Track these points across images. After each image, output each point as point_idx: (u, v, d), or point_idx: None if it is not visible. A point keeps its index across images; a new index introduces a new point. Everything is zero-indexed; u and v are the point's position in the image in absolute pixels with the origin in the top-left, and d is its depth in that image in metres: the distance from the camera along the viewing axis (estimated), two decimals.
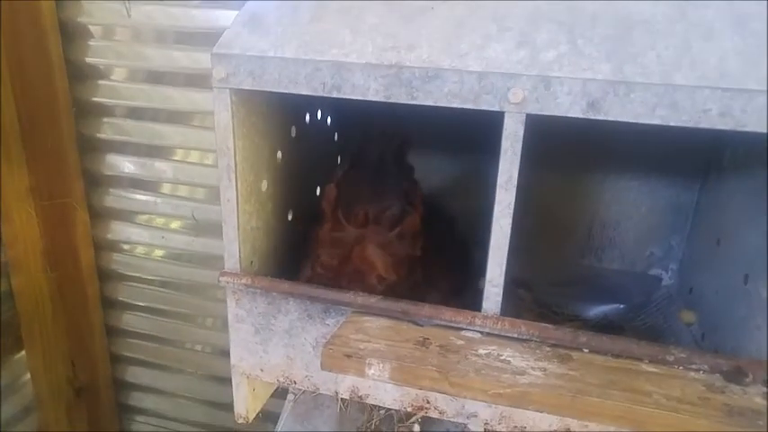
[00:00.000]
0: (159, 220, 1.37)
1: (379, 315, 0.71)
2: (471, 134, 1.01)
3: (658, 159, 0.99)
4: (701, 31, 0.60)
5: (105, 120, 1.30)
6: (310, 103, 0.91)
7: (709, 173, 0.96)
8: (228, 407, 1.12)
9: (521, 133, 0.62)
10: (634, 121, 0.58)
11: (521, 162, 0.63)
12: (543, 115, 0.61)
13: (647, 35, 0.61)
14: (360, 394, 0.76)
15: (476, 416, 0.73)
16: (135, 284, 1.44)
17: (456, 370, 0.60)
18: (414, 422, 1.01)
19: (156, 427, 1.58)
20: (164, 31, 1.20)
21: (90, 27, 1.24)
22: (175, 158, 1.31)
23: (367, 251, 0.82)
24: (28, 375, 1.41)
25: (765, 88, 0.55)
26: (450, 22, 0.65)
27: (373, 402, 0.77)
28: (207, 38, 1.16)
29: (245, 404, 0.83)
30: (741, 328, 0.76)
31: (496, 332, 0.69)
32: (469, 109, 0.61)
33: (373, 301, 0.71)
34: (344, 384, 0.76)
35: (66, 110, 1.24)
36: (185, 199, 1.33)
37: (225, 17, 1.15)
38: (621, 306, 1.08)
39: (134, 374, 1.54)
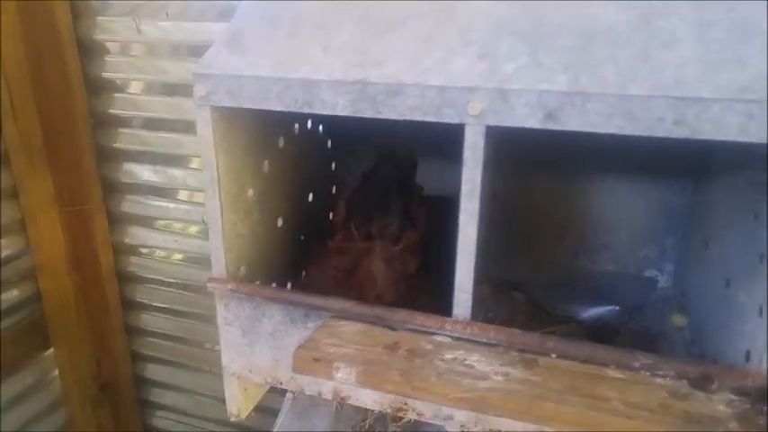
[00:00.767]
0: (175, 225, 1.43)
1: (356, 320, 0.74)
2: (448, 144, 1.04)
3: (650, 161, 0.98)
4: (663, 40, 0.61)
5: (122, 130, 1.36)
6: (298, 113, 0.94)
7: (701, 175, 0.95)
8: None
9: (481, 144, 0.63)
10: (591, 130, 0.59)
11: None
12: (503, 127, 0.62)
13: (608, 46, 0.62)
14: (342, 395, 0.79)
15: (452, 418, 0.74)
16: (153, 286, 1.50)
17: (418, 375, 0.63)
18: (407, 422, 1.04)
19: (175, 422, 1.65)
20: (178, 46, 1.26)
21: (106, 43, 1.30)
22: (191, 166, 1.36)
23: (373, 266, 0.87)
24: (56, 372, 1.49)
25: (720, 96, 0.55)
26: (417, 37, 0.67)
27: (355, 404, 0.79)
28: None
29: (237, 403, 0.87)
30: (721, 333, 0.76)
31: (466, 337, 0.70)
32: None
33: (349, 305, 0.74)
34: (327, 386, 0.79)
35: (84, 122, 1.31)
36: (201, 205, 1.39)
37: None
38: (617, 308, 1.08)
39: (154, 372, 1.61)
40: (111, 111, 1.34)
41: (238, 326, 0.82)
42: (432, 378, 0.62)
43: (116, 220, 1.45)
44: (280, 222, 0.91)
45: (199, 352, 1.54)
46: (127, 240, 1.46)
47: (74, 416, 1.54)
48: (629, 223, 1.05)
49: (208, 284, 0.79)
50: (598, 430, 0.58)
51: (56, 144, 1.31)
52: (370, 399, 0.77)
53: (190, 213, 1.39)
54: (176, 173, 1.37)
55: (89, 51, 1.30)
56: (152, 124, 1.34)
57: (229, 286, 0.78)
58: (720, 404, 0.61)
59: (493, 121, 0.62)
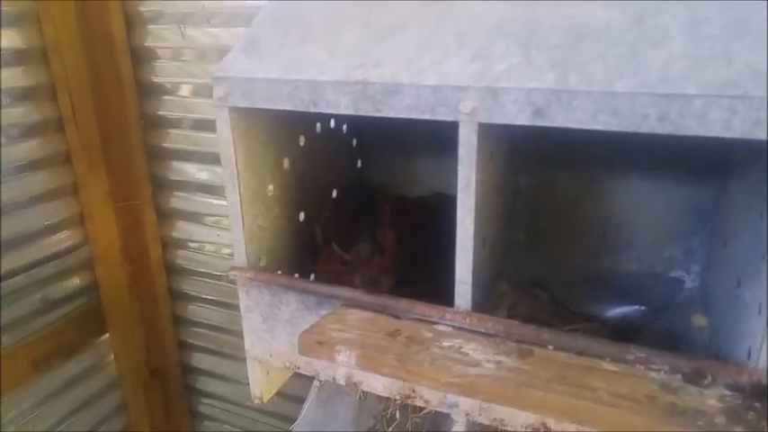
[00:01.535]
0: (224, 222, 1.51)
1: (365, 308, 0.78)
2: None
3: (676, 158, 0.97)
4: (653, 38, 0.62)
5: (171, 131, 1.46)
6: (320, 113, 0.99)
7: (724, 173, 0.93)
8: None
9: (474, 141, 0.66)
10: (578, 127, 0.61)
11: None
12: (495, 124, 0.65)
13: (598, 44, 0.63)
14: (354, 381, 0.83)
15: (457, 406, 0.77)
16: (200, 279, 1.60)
17: (413, 360, 0.66)
18: (428, 413, 1.07)
19: (220, 409, 1.74)
20: (225, 50, 1.33)
21: (157, 50, 1.40)
22: None
23: (354, 282, 0.92)
24: (111, 356, 1.62)
25: (704, 92, 0.56)
26: (416, 39, 0.71)
27: (366, 389, 0.84)
28: None
29: (260, 386, 0.93)
30: (731, 332, 0.75)
31: (466, 327, 0.73)
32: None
33: (358, 294, 0.78)
34: (340, 371, 0.84)
35: (136, 123, 1.42)
36: None
37: None
38: (642, 308, 1.07)
39: (200, 360, 1.71)
40: (160, 112, 1.44)
41: (258, 312, 0.87)
42: (425, 363, 0.65)
43: (165, 216, 1.55)
44: (302, 217, 0.97)
45: (242, 342, 1.60)
46: (175, 234, 1.56)
47: (127, 398, 1.66)
48: (654, 222, 1.04)
49: (229, 273, 0.86)
50: (583, 418, 0.59)
51: (111, 145, 1.43)
52: (380, 384, 0.81)
53: None
54: (221, 171, 1.45)
55: (140, 58, 1.41)
56: (199, 125, 1.43)
57: (248, 274, 0.84)
58: (711, 399, 0.61)
59: (484, 119, 0.65)
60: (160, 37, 1.38)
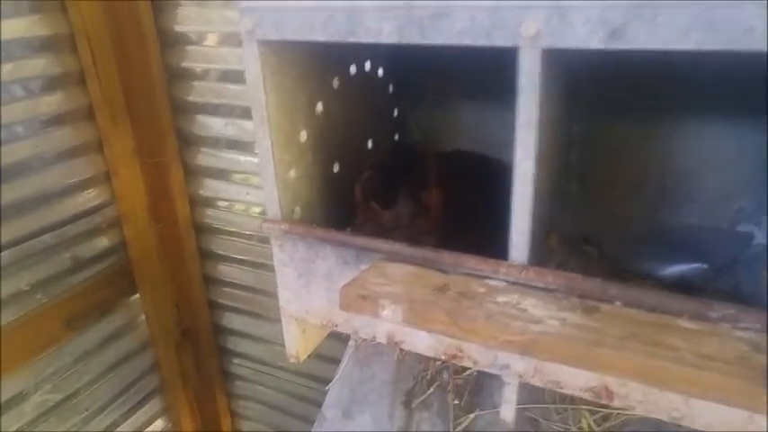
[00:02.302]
0: (253, 179, 1.46)
1: (407, 262, 0.72)
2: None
3: (746, 98, 0.87)
4: None
5: (196, 83, 1.40)
6: (354, 53, 0.91)
7: None
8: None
9: (538, 69, 0.58)
10: (663, 47, 0.52)
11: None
12: (560, 49, 0.56)
13: None
14: (396, 340, 0.78)
15: (508, 368, 0.71)
16: (228, 238, 1.56)
17: (466, 315, 0.59)
18: (470, 374, 1.01)
19: (251, 370, 1.72)
20: None
21: None
22: None
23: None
24: (143, 316, 1.60)
25: None
26: None
27: (408, 348, 0.78)
28: None
29: (296, 345, 0.88)
30: None
31: (522, 281, 0.66)
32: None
33: (399, 247, 0.71)
34: (381, 329, 0.78)
35: (159, 76, 1.36)
36: None
37: None
38: (703, 266, 0.99)
39: (231, 321, 1.68)
40: (184, 64, 1.38)
41: (293, 267, 0.82)
42: (480, 319, 0.59)
43: (192, 173, 1.50)
44: (336, 168, 0.90)
45: (273, 302, 1.55)
46: (202, 192, 1.52)
47: (160, 357, 1.65)
48: (721, 171, 0.94)
49: (262, 225, 0.80)
50: (663, 379, 0.52)
51: (134, 99, 1.37)
52: (424, 344, 0.76)
53: None
54: (250, 125, 1.39)
55: (162, 5, 1.33)
56: (226, 76, 1.36)
57: (282, 226, 0.78)
58: None
59: (549, 43, 0.56)
60: None
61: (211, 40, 1.35)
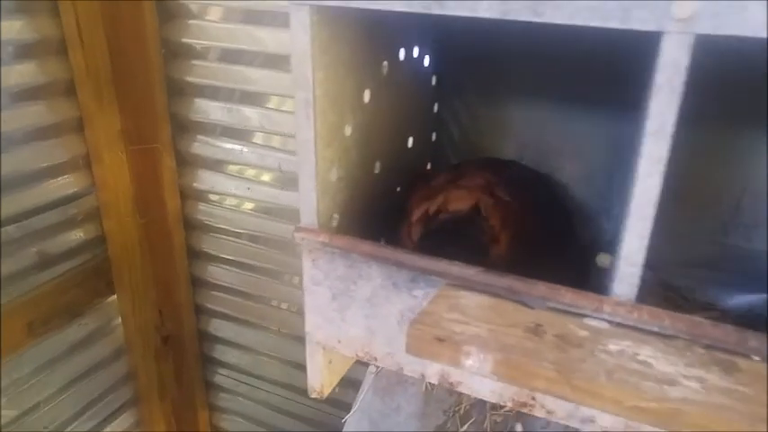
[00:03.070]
0: (248, 171, 1.30)
1: (479, 291, 0.58)
2: (596, 83, 0.85)
3: None
4: None
5: (196, 62, 1.23)
6: (407, 34, 0.77)
7: None
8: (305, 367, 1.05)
9: (684, 62, 0.45)
10: None
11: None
12: (720, 36, 0.44)
13: None
14: (450, 381, 0.64)
15: (593, 421, 0.58)
16: (221, 236, 1.40)
17: (581, 371, 0.46)
18: (515, 421, 0.88)
19: (236, 381, 1.57)
20: None
21: None
22: (269, 106, 1.22)
23: None
24: (119, 320, 1.42)
25: None
26: None
27: (466, 392, 0.65)
28: None
29: (320, 377, 0.74)
30: None
31: (630, 323, 0.54)
32: (602, 42, 0.46)
33: (472, 272, 0.58)
34: (433, 368, 0.65)
35: (155, 51, 1.19)
36: (277, 150, 1.25)
37: None
38: None
39: (217, 327, 1.52)
40: (184, 40, 1.21)
41: (328, 287, 0.68)
42: (600, 377, 0.46)
43: (185, 163, 1.34)
44: (377, 168, 0.76)
45: (266, 309, 1.43)
46: (195, 185, 1.35)
47: (136, 365, 1.48)
48: None
49: (295, 234, 0.65)
50: None
51: (125, 75, 1.20)
52: (487, 388, 0.62)
53: (264, 159, 1.26)
54: (251, 113, 1.23)
55: None
56: (228, 56, 1.20)
57: (321, 238, 0.64)
58: None
59: (707, 28, 0.43)
60: None
61: (214, 14, 1.19)
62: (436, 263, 0.59)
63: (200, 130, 1.30)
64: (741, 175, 0.86)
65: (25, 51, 1.10)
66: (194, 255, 1.45)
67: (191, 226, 1.41)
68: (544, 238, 0.80)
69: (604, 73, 0.82)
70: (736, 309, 0.89)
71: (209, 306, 1.50)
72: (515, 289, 0.56)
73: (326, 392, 0.76)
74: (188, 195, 1.37)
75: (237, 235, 1.38)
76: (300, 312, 1.36)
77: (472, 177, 0.76)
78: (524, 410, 0.62)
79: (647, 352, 0.50)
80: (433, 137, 0.96)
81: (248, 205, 1.34)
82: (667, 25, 0.45)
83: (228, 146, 1.29)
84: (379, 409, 0.92)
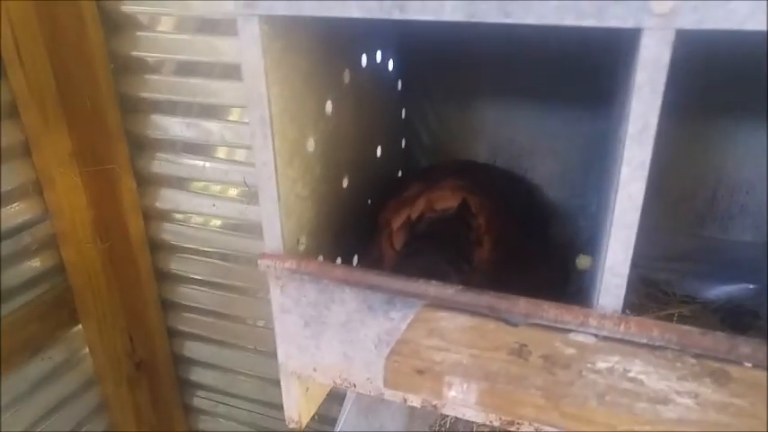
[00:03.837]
0: (212, 188, 1.25)
1: (459, 310, 0.55)
2: (566, 81, 0.83)
3: None
4: None
5: (148, 77, 1.18)
6: (368, 39, 0.74)
7: None
8: None
9: (665, 60, 0.43)
10: None
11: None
12: (702, 31, 0.41)
13: None
14: (434, 404, 0.61)
15: None
16: (189, 256, 1.34)
17: (570, 395, 0.44)
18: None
19: (216, 403, 1.51)
20: None
21: None
22: (230, 119, 1.17)
23: None
24: (86, 350, 1.36)
25: None
26: None
27: (451, 414, 0.62)
28: None
29: (298, 407, 0.70)
30: None
31: (617, 336, 0.51)
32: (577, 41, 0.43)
33: (450, 292, 0.54)
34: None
35: (103, 66, 1.13)
36: (241, 164, 1.21)
37: None
38: (751, 286, 0.88)
39: (192, 349, 1.47)
40: (134, 53, 1.15)
41: (299, 314, 0.64)
42: (590, 402, 0.43)
43: (145, 182, 1.28)
44: (345, 182, 0.72)
45: (241, 328, 1.38)
46: (158, 204, 1.30)
47: (108, 396, 1.41)
48: None
49: (260, 262, 0.61)
50: None
51: (71, 93, 1.14)
52: (473, 410, 0.59)
53: (229, 174, 1.21)
54: (212, 127, 1.18)
55: None
56: (185, 69, 1.15)
57: (288, 264, 0.60)
58: None
59: (689, 23, 0.41)
60: None
61: (166, 24, 1.13)
62: (412, 284, 0.56)
63: (159, 147, 1.24)
64: (715, 168, 0.84)
65: None
66: (163, 277, 1.39)
67: (157, 247, 1.35)
68: (523, 241, 0.78)
69: (575, 70, 0.80)
70: (716, 300, 0.88)
71: (182, 328, 1.45)
72: (496, 307, 0.53)
73: (305, 422, 0.72)
74: (151, 216, 1.31)
75: (206, 254, 1.33)
76: None
77: (449, 181, 0.73)
78: (512, 429, 0.60)
79: (638, 367, 0.48)
80: (403, 143, 0.92)
81: (215, 222, 1.29)
82: (646, 21, 0.42)
83: (191, 162, 1.24)
84: (364, 429, 0.89)
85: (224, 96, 1.15)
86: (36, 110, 1.10)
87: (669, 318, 0.85)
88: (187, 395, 1.54)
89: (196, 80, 1.15)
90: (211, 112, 1.17)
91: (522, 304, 0.52)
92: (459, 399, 0.45)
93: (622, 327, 0.50)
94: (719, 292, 0.89)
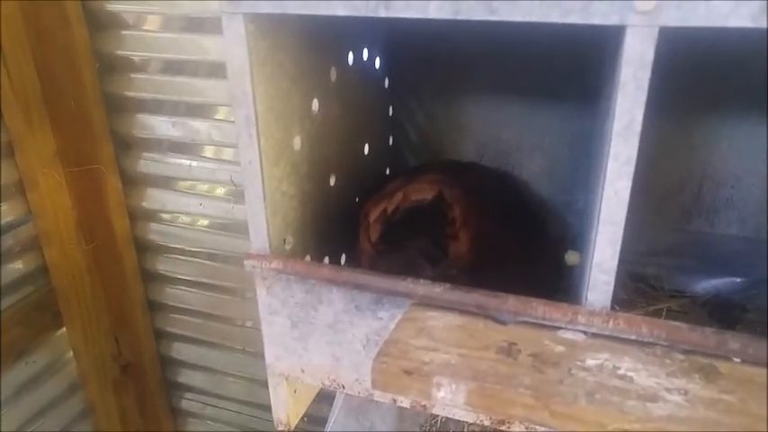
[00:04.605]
0: (199, 187, 1.24)
1: (447, 309, 0.55)
2: (553, 78, 0.83)
3: None
4: None
5: (134, 76, 1.16)
6: (355, 37, 0.73)
7: None
8: None
9: (649, 57, 0.43)
10: None
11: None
12: (686, 28, 0.41)
13: None
14: (423, 404, 0.61)
15: None
16: (176, 256, 1.33)
17: (559, 394, 0.43)
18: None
19: (204, 405, 1.50)
20: None
21: None
22: (217, 117, 1.16)
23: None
24: (70, 353, 1.34)
25: None
26: None
27: (441, 413, 0.61)
28: None
29: (286, 409, 0.70)
30: None
31: (606, 333, 0.51)
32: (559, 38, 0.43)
33: (439, 291, 0.54)
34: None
35: (88, 65, 1.11)
36: (229, 163, 1.19)
37: None
38: (738, 280, 0.88)
39: (180, 351, 1.45)
40: (119, 52, 1.14)
41: (286, 315, 0.63)
42: (580, 400, 0.43)
43: (131, 182, 1.26)
44: (332, 180, 0.72)
45: (229, 329, 1.37)
46: (144, 204, 1.28)
47: (93, 400, 1.39)
48: (762, 176, 0.83)
49: (246, 262, 0.61)
50: None
51: (56, 93, 1.12)
52: (463, 412, 0.59)
53: (216, 173, 1.20)
54: (199, 125, 1.17)
55: None
56: (171, 68, 1.14)
57: (274, 264, 0.59)
58: None
59: (672, 20, 0.41)
60: None
61: (152, 23, 1.12)
62: (401, 283, 0.55)
63: (145, 146, 1.22)
64: (701, 162, 0.85)
65: None
66: (149, 277, 1.38)
67: (143, 248, 1.34)
68: (510, 240, 0.77)
69: (562, 67, 0.80)
70: (703, 294, 0.89)
71: (169, 330, 1.43)
72: (485, 305, 0.53)
73: (294, 423, 0.72)
74: (137, 216, 1.30)
75: (194, 254, 1.32)
76: None
77: (428, 175, 0.73)
78: (503, 428, 0.59)
79: (627, 364, 0.47)
80: (390, 141, 0.92)
81: (203, 222, 1.28)
82: (630, 19, 0.42)
83: (177, 161, 1.22)
84: (353, 429, 0.88)
85: (210, 95, 1.13)
86: (20, 110, 1.08)
87: (658, 313, 0.85)
88: (174, 397, 1.53)
89: (182, 79, 1.14)
90: (198, 110, 1.16)
91: (510, 302, 0.52)
92: (449, 399, 0.45)
93: (611, 323, 0.50)
94: (707, 285, 0.90)
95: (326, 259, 0.72)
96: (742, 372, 0.47)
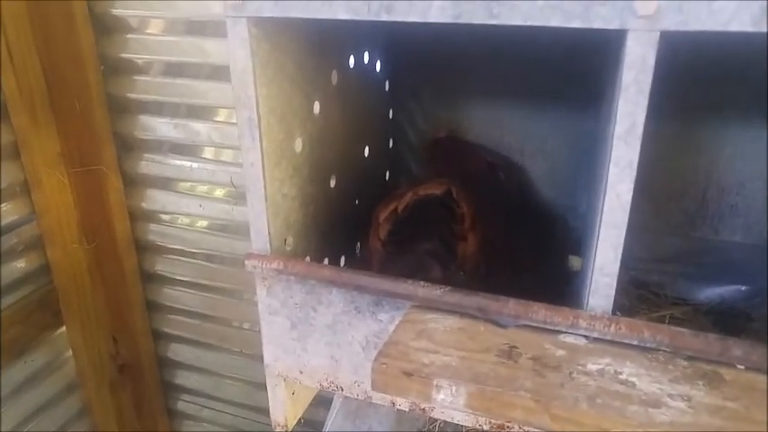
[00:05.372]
0: (199, 188, 1.24)
1: (447, 311, 0.55)
2: (555, 81, 0.82)
3: None
4: None
5: (137, 78, 1.16)
6: (356, 40, 0.73)
7: None
8: None
9: (651, 60, 0.43)
10: None
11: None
12: (686, 32, 0.41)
13: None
14: (423, 408, 0.60)
15: None
16: (175, 257, 1.33)
17: (560, 397, 0.43)
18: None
19: (200, 407, 1.49)
20: None
21: None
22: (218, 119, 1.16)
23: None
24: (69, 352, 1.34)
25: None
26: None
27: (440, 417, 0.61)
28: None
29: (284, 410, 0.69)
30: None
31: (608, 337, 0.51)
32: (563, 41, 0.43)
33: (439, 293, 0.54)
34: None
35: (93, 68, 1.12)
36: (228, 164, 1.19)
37: None
38: (743, 288, 0.87)
39: (177, 352, 1.45)
40: (124, 55, 1.14)
41: (285, 315, 0.63)
42: (581, 404, 0.42)
43: (132, 183, 1.27)
44: (333, 182, 0.72)
45: (227, 330, 1.37)
46: (144, 205, 1.28)
47: (90, 400, 1.39)
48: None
49: (246, 262, 0.61)
50: None
51: (61, 95, 1.12)
52: (462, 415, 0.59)
53: (215, 174, 1.20)
54: (200, 127, 1.17)
55: None
56: (173, 70, 1.14)
57: (275, 265, 0.59)
58: None
59: (673, 24, 0.41)
60: None
61: (155, 27, 1.12)
62: (401, 285, 0.55)
63: (146, 148, 1.23)
64: (705, 168, 0.85)
65: None
66: (148, 278, 1.37)
67: (142, 248, 1.34)
68: (514, 243, 0.77)
69: (564, 70, 0.80)
70: (707, 302, 0.88)
71: (167, 330, 1.43)
72: (485, 308, 0.52)
73: (291, 425, 0.71)
74: (138, 216, 1.30)
75: (192, 255, 1.32)
76: None
77: (437, 179, 0.73)
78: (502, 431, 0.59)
79: (629, 369, 0.47)
80: (390, 143, 0.92)
81: (202, 223, 1.28)
82: (631, 23, 0.42)
83: (177, 163, 1.23)
84: None
85: (211, 97, 1.14)
86: (26, 111, 1.09)
87: (661, 320, 0.85)
88: (171, 399, 1.52)
89: (184, 81, 1.14)
90: (198, 112, 1.16)
91: (511, 305, 0.52)
92: (448, 402, 0.45)
93: (613, 328, 0.50)
94: (711, 293, 0.89)
95: (326, 260, 0.72)
96: (746, 379, 0.47)
